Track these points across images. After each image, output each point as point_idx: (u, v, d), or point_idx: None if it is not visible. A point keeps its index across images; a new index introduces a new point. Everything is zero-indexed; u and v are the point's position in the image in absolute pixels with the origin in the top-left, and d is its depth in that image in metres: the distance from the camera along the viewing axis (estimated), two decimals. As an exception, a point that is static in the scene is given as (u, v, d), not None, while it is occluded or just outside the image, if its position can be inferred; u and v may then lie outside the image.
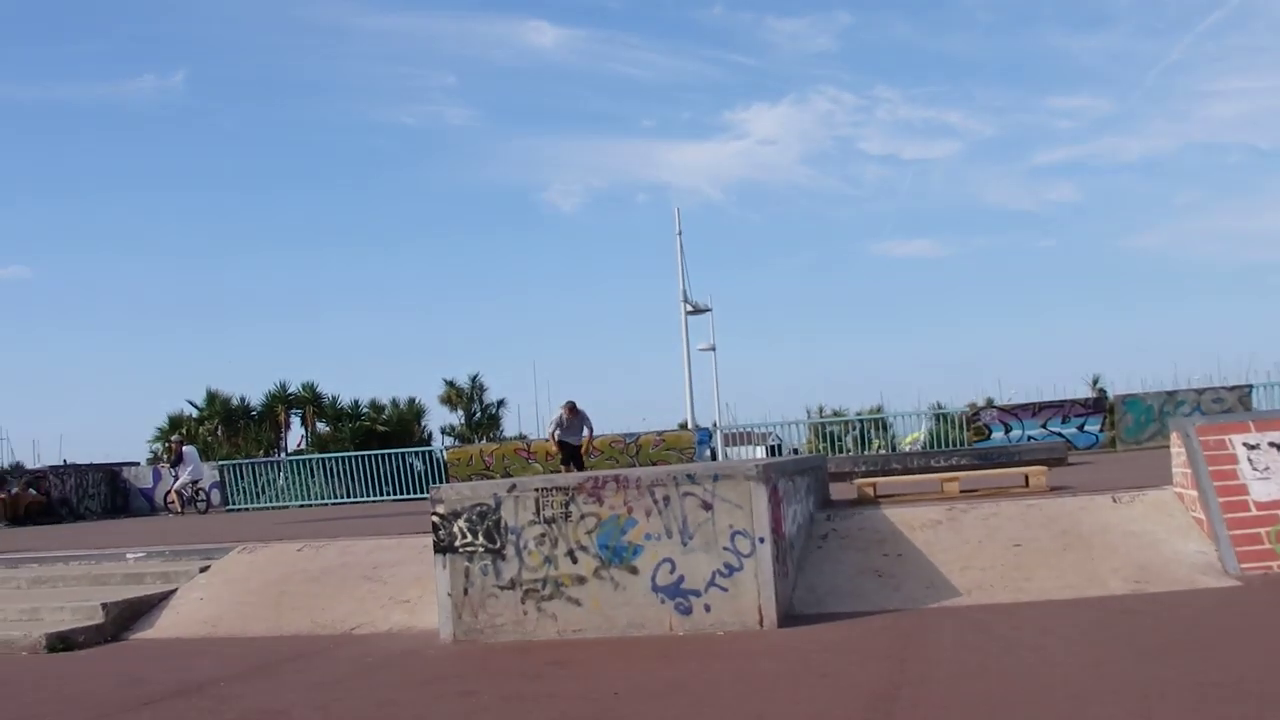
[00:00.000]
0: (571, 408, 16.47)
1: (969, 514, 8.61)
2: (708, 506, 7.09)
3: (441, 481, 24.98)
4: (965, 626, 6.51)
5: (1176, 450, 8.36)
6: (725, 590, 7.01)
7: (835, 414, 42.33)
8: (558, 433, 16.59)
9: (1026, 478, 9.69)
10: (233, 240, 78.33)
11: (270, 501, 24.28)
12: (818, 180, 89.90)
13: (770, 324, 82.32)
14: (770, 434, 30.86)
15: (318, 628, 8.16)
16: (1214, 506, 7.54)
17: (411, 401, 39.76)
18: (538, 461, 25.29)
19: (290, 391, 37.30)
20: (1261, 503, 7.43)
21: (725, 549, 7.04)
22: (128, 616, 8.54)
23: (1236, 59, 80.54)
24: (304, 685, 6.36)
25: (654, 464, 25.12)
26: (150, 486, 23.87)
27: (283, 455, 29.22)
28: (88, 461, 25.07)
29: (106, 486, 23.53)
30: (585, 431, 16.69)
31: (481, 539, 7.32)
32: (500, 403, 46.34)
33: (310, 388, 37.21)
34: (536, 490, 7.30)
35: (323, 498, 24.33)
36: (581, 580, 7.18)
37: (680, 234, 30.15)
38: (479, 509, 7.35)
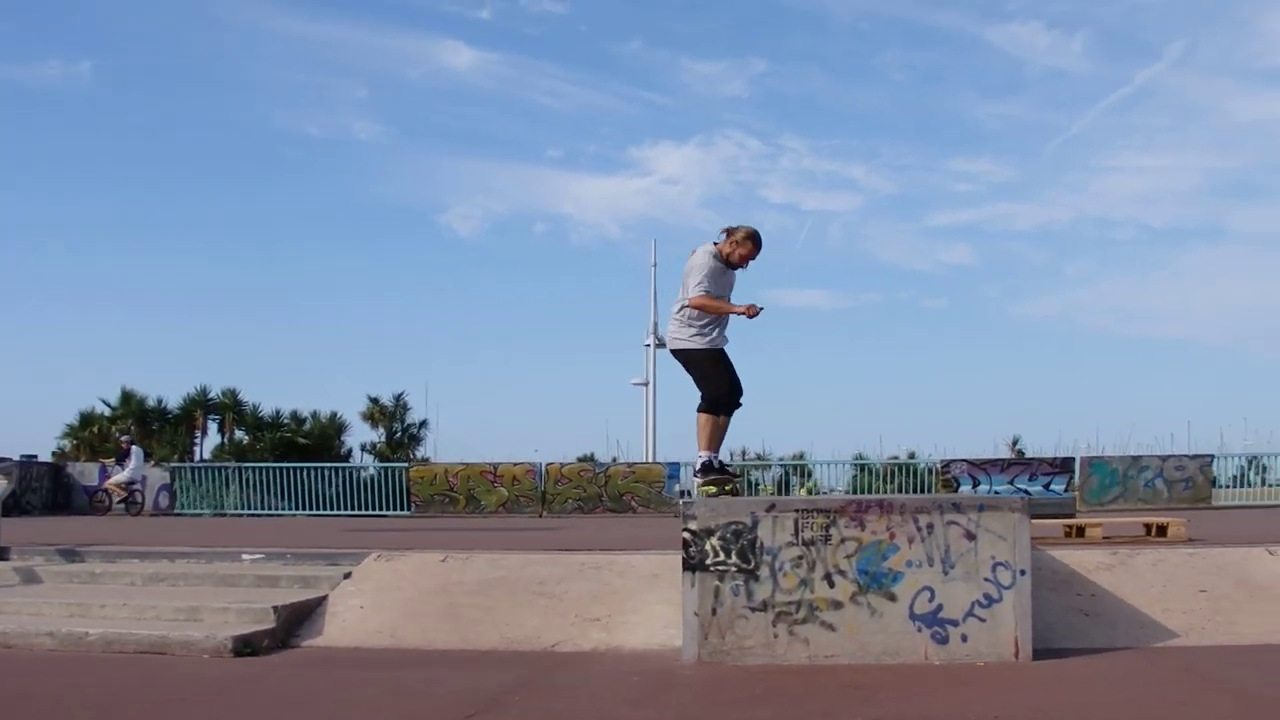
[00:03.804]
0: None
1: (1136, 559, 8.82)
2: (971, 536, 7.10)
3: (396, 498, 24.32)
4: (1232, 666, 6.69)
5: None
6: (983, 621, 7.03)
7: (759, 457, 42.95)
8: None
9: (1162, 527, 10.00)
10: (129, 232, 74.79)
11: (198, 507, 23.28)
12: (716, 223, 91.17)
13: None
14: None
15: (513, 643, 7.77)
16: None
17: (333, 416, 38.45)
18: (503, 485, 24.79)
19: (210, 396, 35.51)
20: None
21: (986, 579, 7.06)
22: (293, 621, 7.95)
23: (1135, 136, 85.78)
24: (596, 701, 6.04)
25: (621, 495, 24.98)
26: (95, 484, 22.36)
27: (233, 461, 27.63)
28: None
29: (50, 482, 21.90)
30: None
31: (735, 558, 7.13)
32: (423, 423, 45.12)
33: (231, 394, 35.55)
34: (796, 511, 7.18)
35: (249, 506, 23.62)
36: (837, 605, 7.07)
37: (655, 266, 30.33)
38: (734, 527, 7.16)
